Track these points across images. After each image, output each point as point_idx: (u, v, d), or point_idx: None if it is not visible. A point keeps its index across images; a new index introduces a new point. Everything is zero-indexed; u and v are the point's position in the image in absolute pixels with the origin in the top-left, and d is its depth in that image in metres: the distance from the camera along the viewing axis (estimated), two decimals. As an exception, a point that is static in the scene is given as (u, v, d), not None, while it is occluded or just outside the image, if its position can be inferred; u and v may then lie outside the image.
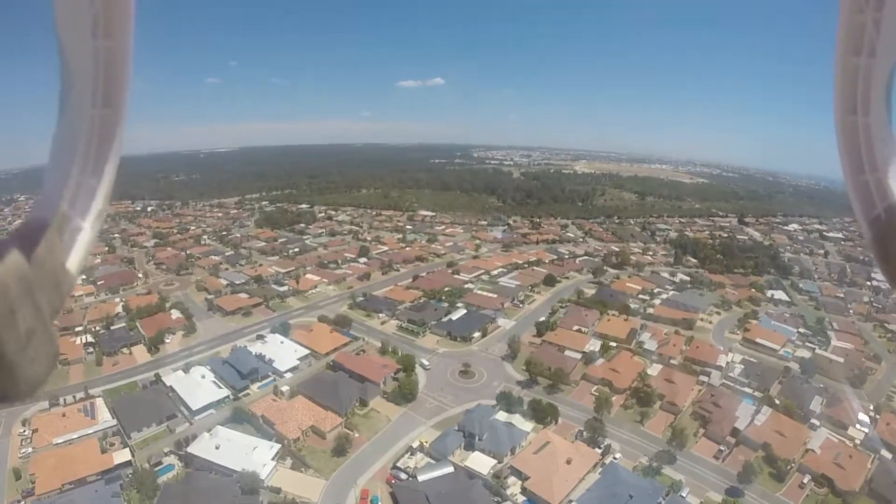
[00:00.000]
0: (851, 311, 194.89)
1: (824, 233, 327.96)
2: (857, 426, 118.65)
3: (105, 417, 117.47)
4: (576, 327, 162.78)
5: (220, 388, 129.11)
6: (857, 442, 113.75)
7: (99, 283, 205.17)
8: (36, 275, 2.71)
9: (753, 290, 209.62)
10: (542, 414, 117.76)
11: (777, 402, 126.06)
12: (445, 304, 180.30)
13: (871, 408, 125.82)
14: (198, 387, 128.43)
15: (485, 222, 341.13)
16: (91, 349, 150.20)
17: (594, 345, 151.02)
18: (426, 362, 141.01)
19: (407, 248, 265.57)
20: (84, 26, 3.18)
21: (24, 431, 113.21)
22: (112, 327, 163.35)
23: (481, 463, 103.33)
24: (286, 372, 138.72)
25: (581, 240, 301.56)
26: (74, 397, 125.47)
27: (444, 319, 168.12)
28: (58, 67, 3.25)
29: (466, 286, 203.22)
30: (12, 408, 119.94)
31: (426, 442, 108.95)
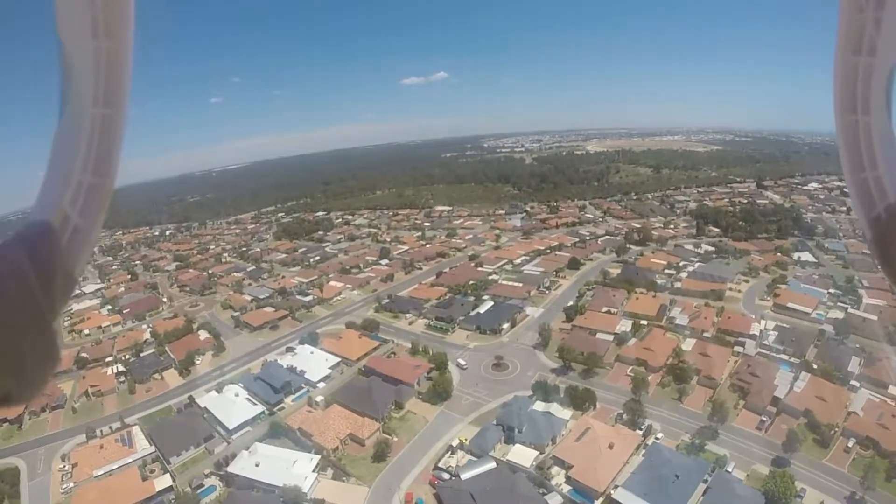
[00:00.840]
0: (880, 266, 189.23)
1: (844, 189, 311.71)
2: None
3: (143, 445, 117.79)
4: (605, 309, 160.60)
5: (255, 404, 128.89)
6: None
7: (125, 311, 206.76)
8: (38, 275, 2.73)
9: (779, 254, 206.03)
10: (580, 400, 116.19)
11: (815, 366, 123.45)
12: (472, 298, 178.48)
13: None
14: (232, 405, 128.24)
15: (502, 211, 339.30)
16: (123, 378, 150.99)
17: (625, 325, 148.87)
18: (462, 362, 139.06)
19: (427, 246, 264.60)
20: (85, 27, 3.19)
21: (64, 466, 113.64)
22: (142, 354, 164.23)
23: (523, 455, 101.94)
24: (319, 382, 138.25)
25: (601, 219, 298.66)
26: (111, 428, 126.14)
27: (472, 313, 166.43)
28: (58, 67, 3.26)
29: (491, 278, 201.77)
30: (49, 444, 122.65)
31: (466, 439, 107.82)
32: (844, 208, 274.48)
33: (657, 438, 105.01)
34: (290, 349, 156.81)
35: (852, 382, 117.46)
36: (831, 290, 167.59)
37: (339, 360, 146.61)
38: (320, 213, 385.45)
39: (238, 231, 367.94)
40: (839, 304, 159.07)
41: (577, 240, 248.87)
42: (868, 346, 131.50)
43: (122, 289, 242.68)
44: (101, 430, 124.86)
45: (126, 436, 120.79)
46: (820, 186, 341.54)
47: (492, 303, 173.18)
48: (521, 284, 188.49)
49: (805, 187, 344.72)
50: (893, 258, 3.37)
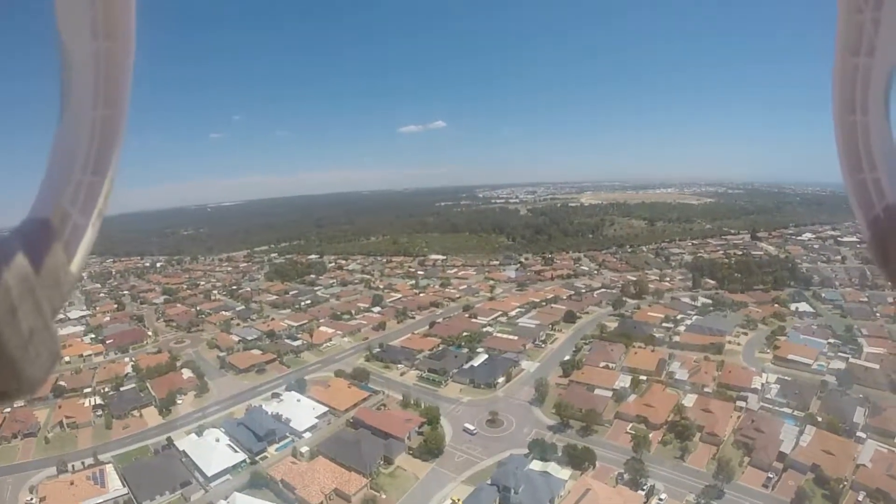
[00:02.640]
0: (878, 315, 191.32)
1: (838, 238, 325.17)
2: None
3: (115, 485, 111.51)
4: (602, 364, 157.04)
5: (236, 451, 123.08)
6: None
7: (108, 341, 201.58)
8: (37, 273, 2.72)
9: (777, 305, 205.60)
10: (579, 459, 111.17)
11: (819, 419, 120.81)
12: (465, 350, 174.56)
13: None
14: (212, 451, 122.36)
15: (496, 262, 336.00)
16: (100, 412, 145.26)
17: (624, 380, 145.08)
18: (472, 427, 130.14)
19: (421, 295, 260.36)
20: (85, 27, 3.24)
21: (32, 500, 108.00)
22: (121, 388, 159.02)
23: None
24: (305, 432, 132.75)
25: (596, 272, 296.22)
26: (83, 463, 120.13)
27: (466, 366, 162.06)
28: (59, 67, 3.29)
29: (485, 329, 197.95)
30: (17, 474, 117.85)
31: (458, 500, 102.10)
32: (839, 257, 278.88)
33: (661, 500, 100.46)
34: (276, 395, 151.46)
35: (858, 434, 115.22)
36: (831, 340, 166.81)
37: (326, 409, 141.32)
38: (313, 256, 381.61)
39: (230, 268, 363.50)
40: (840, 353, 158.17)
41: (573, 292, 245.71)
42: (872, 395, 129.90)
43: (108, 318, 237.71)
44: (73, 465, 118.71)
45: (99, 474, 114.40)
46: (814, 236, 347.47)
47: (486, 356, 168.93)
48: (516, 337, 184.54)
49: (799, 237, 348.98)
50: (892, 259, 3.30)
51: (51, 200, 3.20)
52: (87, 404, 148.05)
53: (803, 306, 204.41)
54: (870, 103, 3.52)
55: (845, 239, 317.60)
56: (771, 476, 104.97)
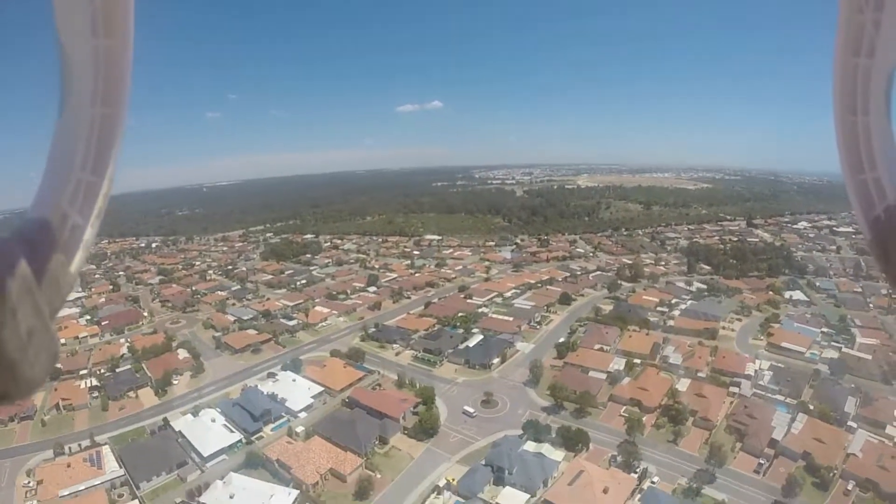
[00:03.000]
0: (872, 306, 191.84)
1: (834, 228, 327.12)
2: (895, 424, 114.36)
3: (112, 467, 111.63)
4: (597, 346, 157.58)
5: (232, 431, 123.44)
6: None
7: (103, 323, 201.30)
8: (36, 274, 2.73)
9: (771, 292, 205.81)
10: (573, 441, 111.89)
11: (811, 407, 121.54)
12: (461, 331, 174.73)
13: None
14: (208, 431, 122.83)
15: (492, 243, 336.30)
16: (96, 393, 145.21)
17: (618, 363, 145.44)
18: (471, 409, 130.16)
19: (416, 275, 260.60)
20: (84, 25, 3.23)
21: (29, 483, 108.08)
22: (117, 370, 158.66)
23: (514, 499, 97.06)
24: (300, 412, 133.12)
25: (591, 254, 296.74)
26: (80, 445, 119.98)
27: (461, 347, 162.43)
28: (58, 66, 3.30)
29: (480, 310, 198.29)
30: (14, 457, 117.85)
31: (453, 479, 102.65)
32: (834, 247, 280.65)
33: (653, 482, 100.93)
34: (271, 375, 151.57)
35: (850, 423, 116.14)
36: (824, 330, 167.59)
37: (322, 389, 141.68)
38: (309, 236, 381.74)
39: (225, 248, 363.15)
40: (833, 343, 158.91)
41: (568, 274, 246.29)
42: (863, 385, 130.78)
43: (103, 299, 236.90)
44: (70, 447, 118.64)
45: (95, 455, 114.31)
46: (810, 225, 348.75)
47: (481, 336, 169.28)
48: (511, 318, 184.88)
49: (795, 226, 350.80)
50: (893, 260, 3.33)
51: (50, 201, 3.19)
52: (83, 386, 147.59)
53: (798, 294, 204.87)
54: (871, 104, 3.52)
55: (841, 229, 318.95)
56: (762, 462, 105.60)
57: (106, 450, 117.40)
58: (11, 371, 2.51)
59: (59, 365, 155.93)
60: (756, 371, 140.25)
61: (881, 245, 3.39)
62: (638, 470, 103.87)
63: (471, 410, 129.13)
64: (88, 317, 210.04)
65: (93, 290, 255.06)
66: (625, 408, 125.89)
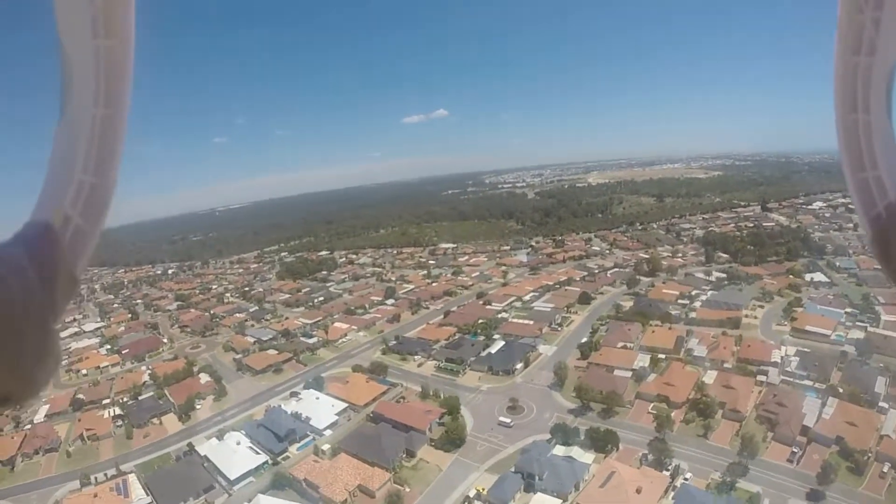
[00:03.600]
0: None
1: (849, 205, 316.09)
2: None
3: (139, 495, 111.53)
4: (620, 344, 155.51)
5: (258, 453, 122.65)
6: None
7: (124, 351, 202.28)
8: (39, 277, 2.73)
9: (791, 276, 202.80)
10: (602, 442, 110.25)
11: (841, 390, 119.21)
12: (482, 338, 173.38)
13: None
14: (234, 454, 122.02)
15: (507, 247, 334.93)
16: (120, 422, 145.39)
17: (643, 360, 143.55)
18: (508, 420, 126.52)
19: (433, 284, 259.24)
20: (85, 26, 3.21)
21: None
22: (140, 397, 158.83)
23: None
24: (325, 429, 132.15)
25: (608, 251, 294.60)
26: (106, 475, 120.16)
27: (483, 354, 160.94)
28: (59, 67, 3.28)
29: (500, 315, 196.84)
30: (41, 489, 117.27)
31: (483, 489, 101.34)
32: (851, 224, 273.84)
33: (686, 479, 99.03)
34: (294, 394, 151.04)
35: (881, 404, 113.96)
36: (848, 310, 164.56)
37: (345, 405, 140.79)
38: (324, 253, 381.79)
39: (241, 270, 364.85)
40: (858, 323, 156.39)
41: (586, 273, 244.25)
42: (892, 364, 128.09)
43: (122, 328, 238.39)
44: (96, 477, 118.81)
45: (122, 484, 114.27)
46: (825, 205, 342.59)
47: (503, 342, 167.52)
48: (531, 322, 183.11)
49: (810, 206, 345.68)
50: (893, 257, 3.40)
51: (52, 203, 3.19)
52: (106, 416, 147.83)
53: (818, 276, 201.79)
54: (871, 102, 3.53)
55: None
56: (795, 450, 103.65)
57: (132, 478, 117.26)
58: (15, 374, 2.51)
59: (81, 396, 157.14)
60: (782, 358, 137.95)
61: (882, 242, 3.45)
62: (670, 467, 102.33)
63: (507, 421, 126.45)
64: (109, 346, 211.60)
65: (112, 319, 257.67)
66: (652, 405, 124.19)
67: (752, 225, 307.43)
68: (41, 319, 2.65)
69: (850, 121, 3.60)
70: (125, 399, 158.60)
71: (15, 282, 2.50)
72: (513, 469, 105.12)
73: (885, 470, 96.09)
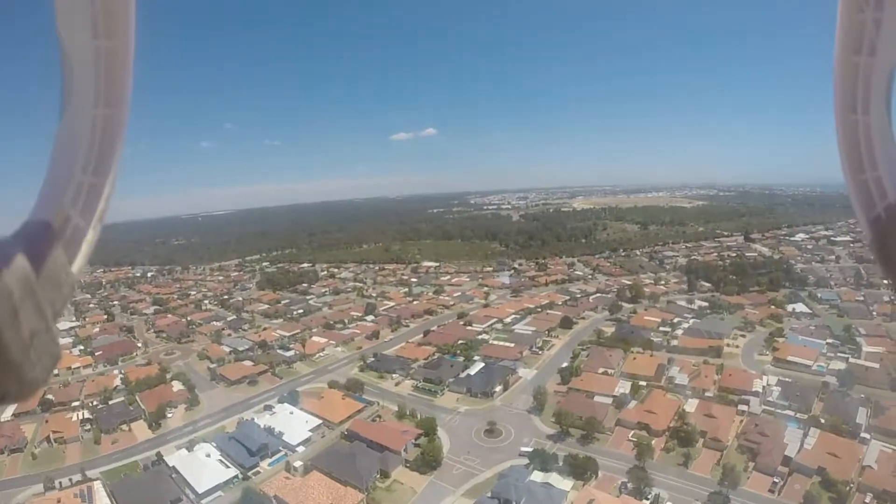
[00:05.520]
0: (875, 313, 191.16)
1: (831, 238, 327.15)
2: None
3: (104, 503, 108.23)
4: (601, 370, 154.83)
5: (228, 466, 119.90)
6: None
7: (97, 353, 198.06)
8: (38, 276, 2.74)
9: (773, 306, 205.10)
10: (581, 469, 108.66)
11: (822, 420, 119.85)
12: (461, 359, 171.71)
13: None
14: (203, 466, 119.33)
15: (490, 268, 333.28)
16: (88, 426, 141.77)
17: (623, 386, 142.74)
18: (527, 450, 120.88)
19: (414, 302, 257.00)
20: (85, 26, 3.24)
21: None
22: (110, 402, 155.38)
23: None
24: (298, 445, 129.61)
25: (590, 276, 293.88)
26: (71, 480, 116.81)
27: (462, 375, 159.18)
28: (59, 67, 3.30)
29: (480, 337, 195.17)
30: (3, 490, 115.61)
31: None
32: (833, 257, 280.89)
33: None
34: (268, 408, 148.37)
35: (863, 435, 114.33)
36: (830, 341, 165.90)
37: (320, 422, 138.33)
38: (305, 265, 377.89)
39: (221, 278, 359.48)
40: (839, 353, 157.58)
41: (568, 298, 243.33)
42: (873, 395, 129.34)
43: (97, 329, 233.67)
44: (61, 482, 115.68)
45: (86, 491, 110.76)
46: (807, 237, 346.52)
47: (483, 364, 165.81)
48: (512, 345, 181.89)
49: (793, 238, 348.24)
50: (893, 258, 3.34)
51: (52, 202, 3.21)
52: (75, 418, 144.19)
53: (800, 307, 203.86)
54: (871, 102, 3.54)
55: (839, 238, 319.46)
56: (777, 480, 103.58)
57: (98, 485, 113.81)
58: (13, 372, 2.52)
59: (50, 396, 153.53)
60: (764, 387, 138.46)
61: (882, 244, 3.41)
62: (650, 496, 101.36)
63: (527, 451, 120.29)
64: (82, 347, 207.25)
65: (86, 319, 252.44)
66: (633, 432, 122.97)
67: (734, 255, 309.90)
68: (40, 318, 2.67)
69: (849, 122, 3.60)
70: (95, 402, 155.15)
71: (14, 281, 2.50)
72: (489, 494, 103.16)
73: (867, 501, 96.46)
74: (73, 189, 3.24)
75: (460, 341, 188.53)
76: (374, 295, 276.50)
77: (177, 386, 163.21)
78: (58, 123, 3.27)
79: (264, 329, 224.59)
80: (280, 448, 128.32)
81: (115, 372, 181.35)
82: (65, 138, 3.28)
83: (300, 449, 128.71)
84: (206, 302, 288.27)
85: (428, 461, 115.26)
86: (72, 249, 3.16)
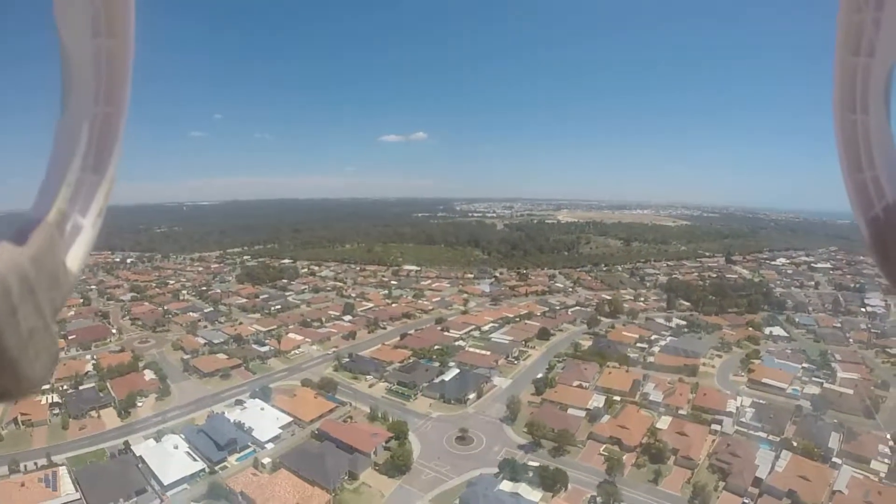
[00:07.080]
0: (851, 340, 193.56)
1: (812, 264, 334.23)
2: (879, 458, 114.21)
3: (68, 489, 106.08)
4: (576, 383, 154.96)
5: (195, 459, 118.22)
6: (882, 475, 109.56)
7: (70, 337, 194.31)
8: (37, 273, 2.74)
9: (751, 328, 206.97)
10: (551, 481, 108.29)
11: (795, 444, 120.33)
12: (437, 364, 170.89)
13: (889, 437, 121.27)
14: (170, 458, 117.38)
15: (471, 275, 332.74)
16: (57, 410, 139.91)
17: (597, 400, 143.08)
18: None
19: (393, 305, 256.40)
20: (84, 25, 3.24)
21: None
22: (81, 387, 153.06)
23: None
24: (267, 442, 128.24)
25: (571, 289, 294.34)
26: (36, 464, 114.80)
27: (437, 380, 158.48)
28: (58, 66, 3.31)
29: (458, 343, 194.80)
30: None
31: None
32: (812, 283, 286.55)
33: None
34: (239, 402, 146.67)
35: (834, 459, 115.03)
36: (805, 365, 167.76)
37: (290, 419, 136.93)
38: (287, 261, 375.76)
39: (201, 268, 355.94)
40: (814, 378, 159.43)
41: (547, 309, 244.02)
42: (846, 420, 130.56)
43: (72, 312, 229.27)
44: (25, 465, 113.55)
45: (51, 476, 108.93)
46: (788, 261, 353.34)
47: (458, 370, 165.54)
48: (489, 352, 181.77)
49: (773, 262, 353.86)
50: (892, 259, 3.36)
51: (51, 200, 3.20)
52: (44, 402, 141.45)
53: (777, 330, 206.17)
54: (870, 103, 3.54)
55: (819, 265, 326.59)
56: (747, 502, 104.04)
57: (63, 471, 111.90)
58: (13, 370, 2.53)
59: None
60: (738, 408, 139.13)
61: (880, 244, 3.43)
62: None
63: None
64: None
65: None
66: (604, 446, 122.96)
67: (715, 275, 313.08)
68: (39, 316, 2.68)
69: (848, 121, 3.61)
70: (65, 387, 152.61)
71: (13, 278, 2.50)
72: (457, 502, 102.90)
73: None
74: (73, 187, 3.26)
75: (437, 346, 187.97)
76: (353, 295, 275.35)
77: (149, 375, 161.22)
78: (57, 122, 3.29)
79: (241, 323, 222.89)
80: (249, 444, 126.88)
81: (88, 357, 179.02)
82: (65, 136, 3.29)
83: (269, 446, 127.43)
84: (185, 292, 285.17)
85: (398, 465, 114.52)
86: (71, 247, 3.17)
